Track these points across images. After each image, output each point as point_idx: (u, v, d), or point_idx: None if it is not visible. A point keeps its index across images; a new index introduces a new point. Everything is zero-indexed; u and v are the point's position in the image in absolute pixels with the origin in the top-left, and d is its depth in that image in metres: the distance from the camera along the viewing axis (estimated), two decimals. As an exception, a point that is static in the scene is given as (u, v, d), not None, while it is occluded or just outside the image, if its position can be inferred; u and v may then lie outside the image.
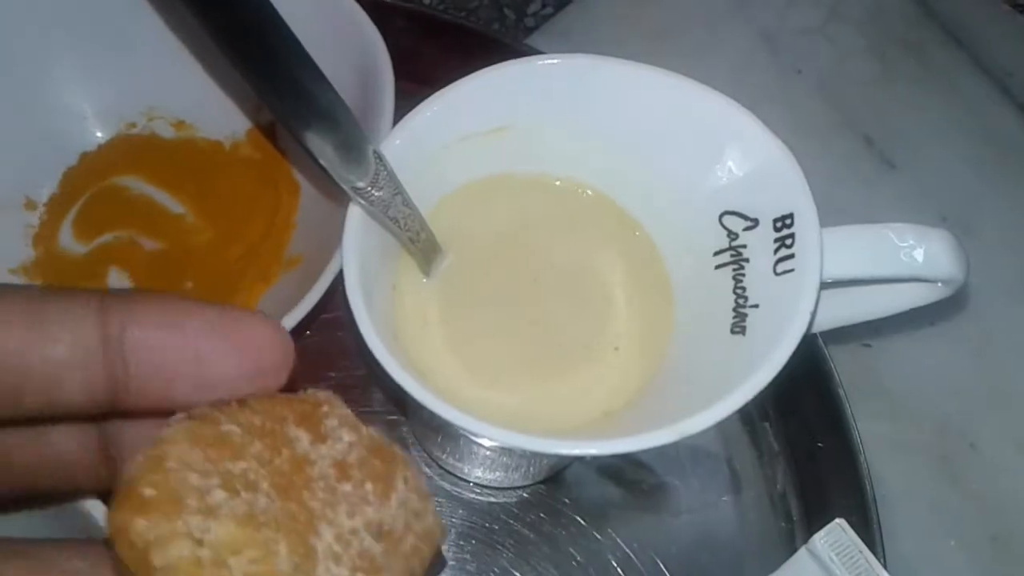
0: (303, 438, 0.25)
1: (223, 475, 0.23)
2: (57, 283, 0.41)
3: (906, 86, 0.56)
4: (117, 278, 0.42)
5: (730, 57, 0.56)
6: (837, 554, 0.34)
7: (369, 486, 0.25)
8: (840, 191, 0.51)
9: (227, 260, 0.43)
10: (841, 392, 0.40)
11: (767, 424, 0.43)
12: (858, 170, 0.53)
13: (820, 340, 0.41)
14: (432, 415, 0.28)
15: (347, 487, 0.24)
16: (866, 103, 0.55)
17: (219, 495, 0.22)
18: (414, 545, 0.25)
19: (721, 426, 0.43)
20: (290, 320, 0.34)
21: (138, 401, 0.20)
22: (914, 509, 0.42)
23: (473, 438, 0.31)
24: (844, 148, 0.54)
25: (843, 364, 0.41)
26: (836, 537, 0.34)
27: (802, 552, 0.34)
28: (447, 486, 0.41)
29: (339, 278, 0.37)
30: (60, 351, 0.18)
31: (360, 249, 0.30)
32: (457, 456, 0.38)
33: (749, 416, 0.44)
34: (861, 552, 0.33)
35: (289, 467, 0.24)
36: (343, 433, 0.25)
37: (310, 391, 0.26)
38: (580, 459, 0.41)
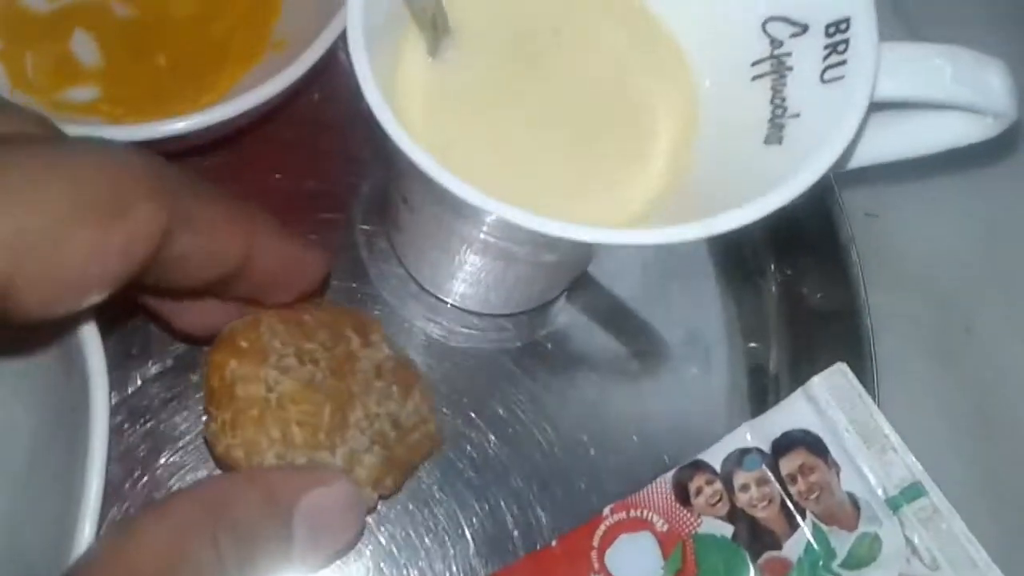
0: (355, 340, 0.33)
1: (296, 347, 0.31)
2: (16, 40, 0.38)
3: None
4: (82, 41, 0.38)
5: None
6: (835, 397, 0.32)
7: (395, 388, 0.33)
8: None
9: (207, 37, 0.39)
10: (854, 251, 0.38)
11: (765, 279, 0.41)
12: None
13: (836, 190, 0.39)
14: (424, 194, 0.25)
15: (379, 383, 0.33)
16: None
17: (291, 361, 0.31)
18: (418, 441, 0.33)
19: (717, 286, 0.41)
20: (267, 90, 0.32)
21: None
22: (903, 378, 0.41)
23: (467, 228, 0.29)
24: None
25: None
26: (836, 380, 0.32)
27: (797, 394, 0.33)
28: (423, 310, 0.39)
29: (326, 66, 0.35)
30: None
31: (365, 4, 0.27)
32: (439, 267, 0.36)
33: (747, 277, 0.42)
34: (861, 397, 0.32)
35: (342, 357, 0.32)
36: (384, 347, 0.34)
37: (362, 311, 0.36)
38: (567, 285, 0.39)
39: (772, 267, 0.41)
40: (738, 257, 0.42)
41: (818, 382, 0.33)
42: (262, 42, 0.38)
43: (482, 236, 0.29)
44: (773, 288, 0.41)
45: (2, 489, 0.29)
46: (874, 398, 0.35)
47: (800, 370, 0.39)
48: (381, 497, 0.32)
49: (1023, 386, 0.42)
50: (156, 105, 0.37)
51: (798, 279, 0.40)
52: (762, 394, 0.40)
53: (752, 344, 0.41)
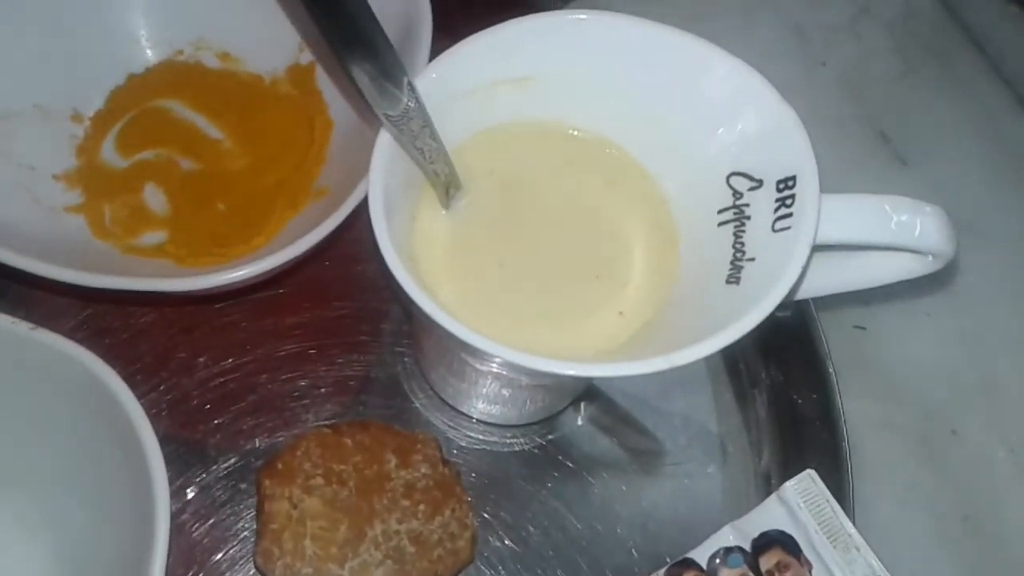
0: (392, 461, 0.38)
1: (326, 470, 0.37)
2: (96, 194, 0.44)
3: (926, 88, 0.57)
4: (153, 193, 0.44)
5: (759, 45, 0.58)
6: (805, 502, 0.36)
7: (422, 507, 0.37)
8: (851, 182, 0.52)
9: (259, 187, 0.44)
10: (830, 365, 0.42)
11: (758, 389, 0.45)
12: (871, 165, 0.55)
13: (813, 309, 0.43)
14: (439, 334, 0.29)
15: (405, 503, 0.37)
16: (886, 101, 0.57)
17: (318, 481, 0.36)
18: (442, 556, 0.37)
19: (715, 395, 0.45)
20: (312, 238, 0.37)
21: None
22: (890, 485, 0.44)
23: (476, 361, 0.33)
24: (860, 141, 0.56)
25: (836, 344, 0.44)
26: (806, 486, 0.36)
27: (772, 498, 0.36)
28: (445, 420, 0.43)
29: (361, 208, 0.40)
30: None
31: (386, 172, 0.32)
32: (458, 387, 0.40)
33: (740, 386, 0.46)
34: (828, 502, 0.35)
35: (373, 477, 0.37)
36: (423, 467, 0.38)
37: (419, 432, 0.40)
38: (575, 397, 0.43)
39: (764, 377, 0.45)
40: (734, 369, 0.46)
41: (790, 487, 0.36)
42: (306, 191, 0.44)
43: (489, 368, 0.33)
44: (765, 396, 0.45)
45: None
46: (850, 499, 0.39)
47: (789, 469, 0.42)
48: None
49: (1007, 488, 0.45)
50: (215, 247, 0.42)
51: (785, 389, 0.44)
52: (756, 493, 0.43)
53: (746, 447, 0.44)
